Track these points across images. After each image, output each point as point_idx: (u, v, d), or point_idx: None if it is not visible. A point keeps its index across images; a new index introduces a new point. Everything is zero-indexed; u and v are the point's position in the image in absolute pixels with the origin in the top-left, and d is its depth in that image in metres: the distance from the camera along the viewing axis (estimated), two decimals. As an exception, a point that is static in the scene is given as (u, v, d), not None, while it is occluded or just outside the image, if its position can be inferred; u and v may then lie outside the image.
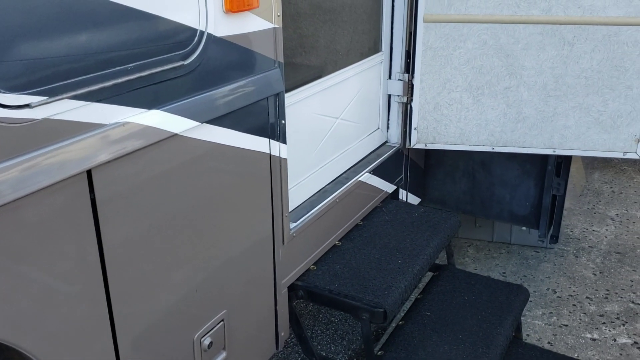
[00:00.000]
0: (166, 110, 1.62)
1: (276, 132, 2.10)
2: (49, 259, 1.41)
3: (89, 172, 1.46)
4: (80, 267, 1.49)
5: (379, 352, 2.47)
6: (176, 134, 1.66)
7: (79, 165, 1.42)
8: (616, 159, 5.37)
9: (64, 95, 1.37)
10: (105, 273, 1.56)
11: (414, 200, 3.53)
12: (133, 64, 1.52)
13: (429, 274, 3.03)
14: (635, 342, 3.16)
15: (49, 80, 1.34)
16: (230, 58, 1.83)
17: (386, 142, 3.23)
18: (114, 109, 1.50)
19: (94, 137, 1.45)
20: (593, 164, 5.29)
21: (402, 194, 3.39)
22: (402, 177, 3.32)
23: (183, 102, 1.67)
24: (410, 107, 3.09)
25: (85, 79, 1.41)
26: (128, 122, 1.52)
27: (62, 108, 1.37)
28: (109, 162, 1.49)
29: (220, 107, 1.79)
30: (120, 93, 1.50)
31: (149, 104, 1.58)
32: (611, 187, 4.89)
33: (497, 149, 3.08)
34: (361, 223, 2.96)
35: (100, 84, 1.44)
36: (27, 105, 1.30)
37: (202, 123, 1.73)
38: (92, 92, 1.43)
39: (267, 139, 2.07)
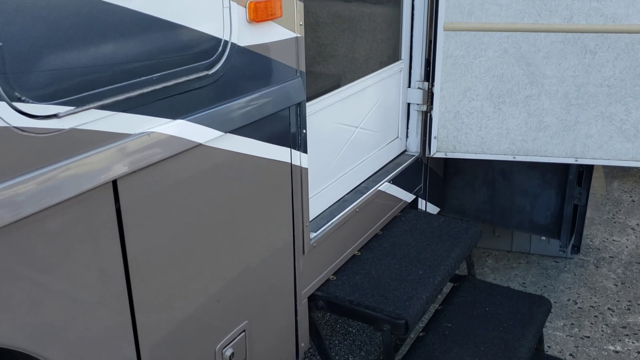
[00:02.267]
0: (191, 120, 1.62)
1: (297, 141, 2.10)
2: (75, 268, 1.41)
3: (114, 182, 1.46)
4: (104, 276, 1.49)
5: (400, 364, 2.44)
6: (200, 144, 1.65)
7: (105, 175, 1.42)
8: (636, 167, 5.30)
9: (91, 105, 1.37)
10: (129, 282, 1.55)
11: (433, 209, 3.50)
12: (158, 74, 1.52)
13: (449, 285, 3.00)
14: (660, 355, 3.10)
15: (76, 90, 1.34)
16: (254, 67, 1.82)
17: (405, 151, 3.21)
18: (140, 119, 1.50)
19: (119, 147, 1.45)
20: (612, 172, 5.23)
21: (421, 204, 3.36)
22: (421, 187, 3.30)
23: (207, 112, 1.67)
24: (430, 115, 3.07)
25: (111, 89, 1.41)
26: (153, 132, 1.52)
27: (89, 118, 1.37)
28: (134, 172, 1.49)
29: (243, 117, 1.79)
30: (145, 103, 1.50)
31: (173, 114, 1.58)
32: (631, 197, 4.83)
33: (518, 158, 3.05)
34: (380, 233, 2.94)
35: (126, 93, 1.44)
36: (54, 115, 1.30)
37: (225, 133, 1.73)
38: (119, 102, 1.43)
39: (289, 149, 2.06)
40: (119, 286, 1.53)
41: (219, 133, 1.70)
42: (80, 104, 1.35)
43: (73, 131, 1.35)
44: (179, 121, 1.59)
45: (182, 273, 1.71)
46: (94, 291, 1.47)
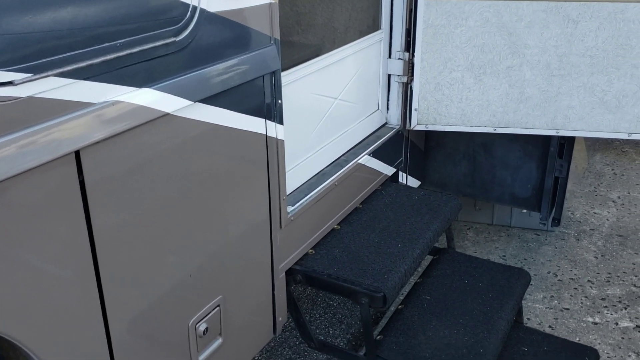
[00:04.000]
0: (158, 89, 1.56)
1: (272, 112, 2.04)
2: (36, 243, 1.35)
3: (77, 153, 1.40)
4: (69, 251, 1.44)
5: (378, 337, 2.43)
6: (168, 114, 1.59)
7: (66, 145, 1.36)
8: (618, 140, 5.32)
9: (50, 73, 1.30)
10: (95, 257, 1.51)
11: (413, 183, 3.48)
12: (122, 40, 1.45)
13: (429, 258, 2.98)
14: (638, 326, 3.13)
15: (33, 56, 1.27)
16: (224, 34, 1.76)
17: (386, 123, 3.17)
18: (103, 87, 1.43)
19: (82, 117, 1.38)
20: (594, 145, 5.24)
21: (402, 177, 3.33)
22: (402, 160, 3.26)
23: (175, 80, 1.60)
24: (411, 87, 3.02)
25: (72, 55, 1.34)
26: (118, 101, 1.46)
27: (48, 86, 1.31)
28: (98, 142, 1.43)
29: (213, 86, 1.73)
30: (109, 71, 1.44)
31: (139, 82, 1.52)
32: (613, 169, 4.84)
33: (499, 130, 3.02)
34: (360, 206, 2.90)
35: (88, 61, 1.38)
36: (10, 83, 1.24)
37: (195, 102, 1.67)
38: (80, 69, 1.37)
39: (263, 120, 2.01)
40: (85, 261, 1.48)
41: (188, 102, 1.64)
42: (38, 71, 1.28)
43: (31, 100, 1.28)
44: (145, 90, 1.53)
45: (152, 248, 1.67)
46: (58, 266, 1.42)
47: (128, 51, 1.47)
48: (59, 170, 1.37)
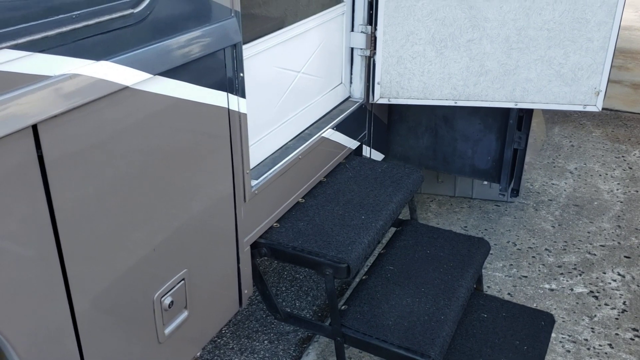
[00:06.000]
0: (116, 62, 1.54)
1: (234, 85, 2.03)
2: (-5, 220, 1.34)
3: (34, 128, 1.38)
4: (29, 227, 1.42)
5: (343, 307, 2.48)
6: (128, 87, 1.58)
7: (22, 120, 1.34)
8: (575, 113, 5.45)
9: (3, 45, 1.27)
10: (57, 233, 1.49)
11: (377, 156, 3.52)
12: (78, 12, 1.42)
13: (392, 229, 3.04)
14: (591, 291, 3.26)
15: (-15, 28, 1.24)
16: (183, 6, 1.74)
17: (349, 97, 3.18)
18: (60, 59, 1.41)
19: (38, 90, 1.36)
20: (553, 118, 5.36)
21: (366, 151, 3.37)
22: (365, 133, 3.29)
23: (134, 52, 1.58)
24: (373, 60, 3.03)
25: (26, 27, 1.32)
26: (75, 74, 1.44)
27: (2, 59, 1.28)
28: (55, 116, 1.41)
29: (173, 59, 1.71)
30: (65, 43, 1.41)
31: (97, 55, 1.50)
32: (570, 142, 4.97)
33: (460, 103, 3.07)
34: (324, 180, 2.93)
35: (43, 32, 1.35)
36: (-39, 55, 1.21)
37: (155, 75, 1.65)
38: (35, 41, 1.34)
39: (225, 93, 2.00)
40: (46, 237, 1.47)
41: (148, 75, 1.62)
42: (-10, 42, 1.25)
43: (-16, 72, 1.26)
44: (103, 62, 1.51)
45: (115, 223, 1.66)
46: (18, 244, 1.40)
47: (84, 23, 1.44)
48: (15, 144, 1.35)
